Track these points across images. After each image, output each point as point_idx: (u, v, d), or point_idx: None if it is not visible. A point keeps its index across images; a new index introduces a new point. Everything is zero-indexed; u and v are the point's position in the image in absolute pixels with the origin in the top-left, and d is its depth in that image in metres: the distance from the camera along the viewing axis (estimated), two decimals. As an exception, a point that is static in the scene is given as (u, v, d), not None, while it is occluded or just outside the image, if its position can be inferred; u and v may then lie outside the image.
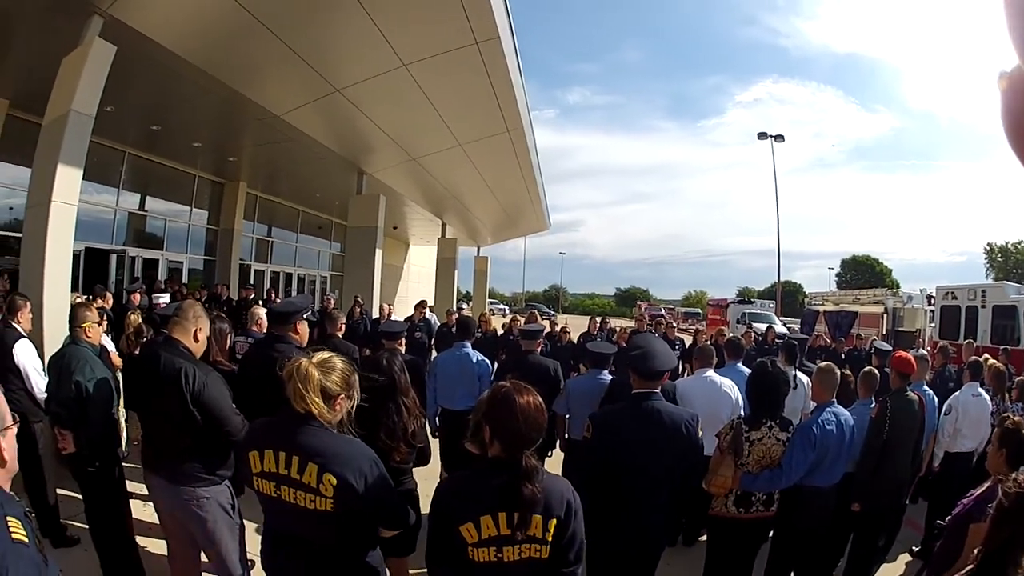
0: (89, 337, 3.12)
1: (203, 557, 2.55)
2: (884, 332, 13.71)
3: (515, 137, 9.81)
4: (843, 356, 8.22)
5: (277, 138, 9.85)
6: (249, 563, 2.61)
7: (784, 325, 18.66)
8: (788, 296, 38.30)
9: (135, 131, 10.17)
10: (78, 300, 4.31)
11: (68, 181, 5.14)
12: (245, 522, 2.57)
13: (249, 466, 1.71)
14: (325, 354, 1.75)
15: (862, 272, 51.68)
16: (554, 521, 1.51)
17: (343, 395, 1.73)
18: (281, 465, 1.65)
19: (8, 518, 1.23)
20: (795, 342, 5.12)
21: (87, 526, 3.03)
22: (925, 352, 7.21)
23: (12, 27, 6.19)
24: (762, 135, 24.45)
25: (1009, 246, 46.08)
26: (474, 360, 4.16)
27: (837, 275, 54.27)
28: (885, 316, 14.51)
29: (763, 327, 12.26)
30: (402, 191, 13.82)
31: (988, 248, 47.46)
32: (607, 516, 2.21)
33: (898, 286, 24.50)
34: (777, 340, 8.81)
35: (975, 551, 1.77)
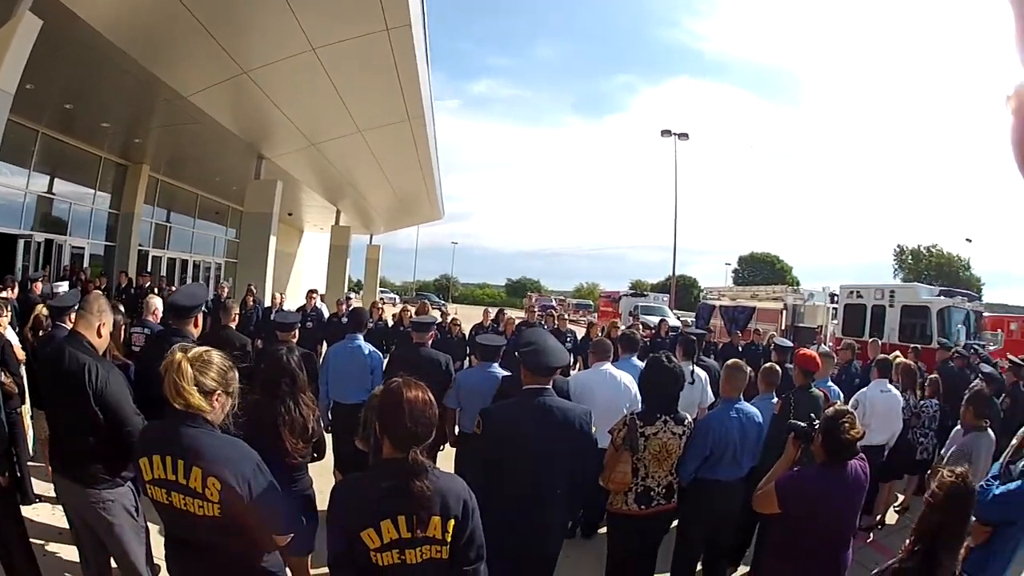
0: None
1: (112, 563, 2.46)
2: (783, 328, 13.92)
3: (415, 126, 9.88)
4: (740, 349, 8.25)
5: (183, 119, 9.81)
6: (155, 567, 2.55)
7: (678, 319, 18.82)
8: (683, 290, 38.02)
9: (51, 110, 9.73)
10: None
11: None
12: (148, 524, 2.49)
13: (142, 473, 1.68)
14: (201, 349, 1.74)
15: (760, 269, 51.34)
16: (452, 521, 1.52)
17: (220, 391, 1.71)
18: (169, 470, 1.61)
19: None
20: (694, 337, 5.04)
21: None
22: (828, 348, 7.56)
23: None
24: (665, 132, 24.68)
25: (921, 249, 46.15)
26: (366, 352, 4.10)
27: (734, 271, 53.62)
28: (784, 312, 14.63)
29: (655, 320, 12.12)
30: (300, 177, 13.85)
31: (898, 250, 47.62)
32: (503, 513, 2.14)
33: (798, 284, 24.49)
34: (671, 333, 8.69)
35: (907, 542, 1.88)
